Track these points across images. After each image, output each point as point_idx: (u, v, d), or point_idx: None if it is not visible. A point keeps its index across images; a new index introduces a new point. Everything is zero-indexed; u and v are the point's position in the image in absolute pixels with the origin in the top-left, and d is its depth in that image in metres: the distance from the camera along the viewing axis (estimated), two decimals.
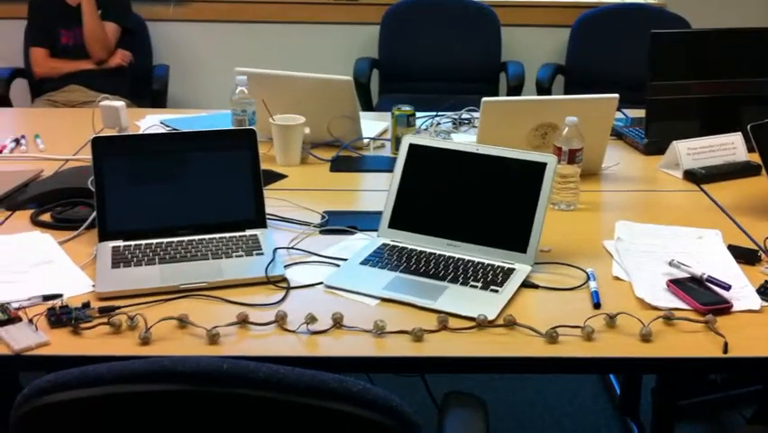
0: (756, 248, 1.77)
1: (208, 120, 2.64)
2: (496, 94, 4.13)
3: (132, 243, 1.70)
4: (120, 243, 1.70)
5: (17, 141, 2.42)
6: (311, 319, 1.44)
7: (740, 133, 2.29)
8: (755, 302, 1.54)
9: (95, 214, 1.74)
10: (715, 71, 2.49)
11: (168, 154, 1.81)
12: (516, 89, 3.97)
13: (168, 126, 2.58)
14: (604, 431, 2.59)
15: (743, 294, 1.57)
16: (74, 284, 1.57)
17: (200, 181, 1.80)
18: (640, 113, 2.59)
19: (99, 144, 1.76)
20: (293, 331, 1.44)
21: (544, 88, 3.99)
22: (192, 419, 0.98)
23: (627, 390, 2.64)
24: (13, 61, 3.97)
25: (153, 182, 1.78)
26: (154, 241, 1.71)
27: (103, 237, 1.71)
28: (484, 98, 2.16)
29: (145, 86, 3.96)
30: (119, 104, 2.36)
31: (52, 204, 1.90)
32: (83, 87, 3.65)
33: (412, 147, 1.83)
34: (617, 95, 2.18)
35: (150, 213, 1.75)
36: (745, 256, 1.72)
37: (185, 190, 1.79)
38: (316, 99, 2.38)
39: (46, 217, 1.86)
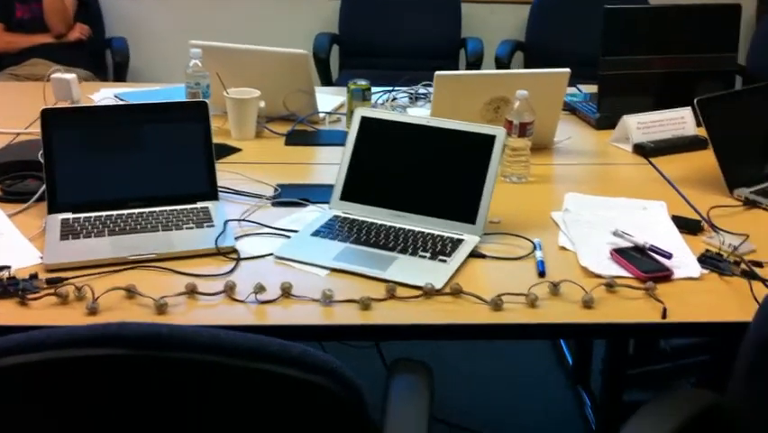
0: (699, 218, 1.81)
1: (163, 94, 2.63)
2: (455, 69, 4.15)
3: (82, 215, 1.70)
4: (69, 215, 1.70)
5: None
6: (259, 289, 1.45)
7: (690, 107, 2.33)
8: (695, 270, 1.58)
9: (44, 186, 1.74)
10: (667, 47, 2.53)
11: (119, 126, 1.80)
12: (475, 66, 3.99)
13: (122, 100, 2.56)
14: (556, 399, 2.64)
15: (684, 262, 1.61)
16: (22, 256, 1.56)
17: (151, 154, 1.80)
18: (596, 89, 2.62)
19: (49, 116, 1.75)
20: (242, 301, 1.45)
21: (503, 65, 4.02)
22: (134, 384, 0.99)
23: (579, 360, 2.70)
24: None
25: (104, 154, 1.77)
26: (104, 213, 1.71)
27: (52, 209, 1.71)
28: (437, 72, 2.18)
29: (101, 59, 3.92)
30: (70, 76, 2.34)
31: (1, 177, 1.88)
32: (46, 60, 3.61)
33: (364, 120, 1.84)
34: (568, 69, 2.20)
35: (101, 185, 1.75)
36: (688, 226, 1.76)
37: (136, 163, 1.78)
38: (272, 73, 2.38)
39: None
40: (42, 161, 1.75)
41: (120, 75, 3.91)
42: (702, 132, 2.18)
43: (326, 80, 3.99)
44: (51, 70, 2.42)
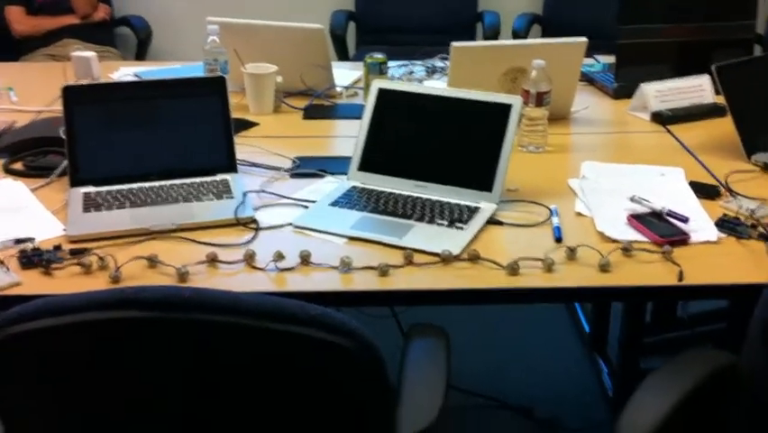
0: (717, 184, 1.81)
1: (182, 71, 2.65)
2: None
3: (104, 188, 1.72)
4: (91, 188, 1.73)
5: None
6: (279, 257, 1.47)
7: (708, 75, 2.32)
8: (713, 234, 1.59)
9: (66, 162, 1.76)
10: (685, 15, 2.51)
11: (138, 102, 1.83)
12: (492, 39, 3.97)
13: (141, 78, 2.58)
14: (573, 367, 2.65)
15: (701, 226, 1.61)
16: (46, 228, 1.59)
17: (171, 128, 1.82)
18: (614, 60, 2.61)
19: (70, 93, 1.78)
20: (261, 269, 1.47)
21: (520, 38, 3.99)
22: (157, 346, 1.01)
23: (596, 328, 2.70)
24: None
25: (125, 130, 1.80)
26: (125, 186, 1.73)
27: (74, 183, 1.73)
28: (453, 43, 2.18)
29: (117, 38, 3.98)
30: (90, 54, 2.37)
31: (25, 153, 1.91)
32: (78, 40, 3.67)
33: (381, 92, 1.85)
34: (585, 38, 2.20)
35: (122, 159, 1.78)
36: (705, 191, 1.76)
37: (156, 137, 1.81)
38: (288, 48, 2.39)
39: (18, 166, 1.88)
40: (64, 136, 1.77)
41: (141, 54, 3.97)
42: (720, 100, 2.18)
43: (344, 57, 3.99)
44: (72, 48, 2.44)
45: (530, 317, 2.91)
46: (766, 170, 1.90)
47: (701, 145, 2.07)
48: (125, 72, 2.66)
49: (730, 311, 2.50)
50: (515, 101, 1.76)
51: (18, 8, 3.76)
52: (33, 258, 1.45)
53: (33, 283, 1.41)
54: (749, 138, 1.96)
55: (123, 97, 1.83)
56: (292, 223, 1.63)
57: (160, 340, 1.01)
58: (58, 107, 2.23)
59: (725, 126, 2.10)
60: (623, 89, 2.45)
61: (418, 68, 2.72)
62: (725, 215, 1.65)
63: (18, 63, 3.53)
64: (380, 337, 1.06)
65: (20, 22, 3.76)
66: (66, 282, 1.42)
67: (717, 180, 1.84)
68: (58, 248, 1.49)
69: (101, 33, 3.82)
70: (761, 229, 1.58)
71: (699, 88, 2.34)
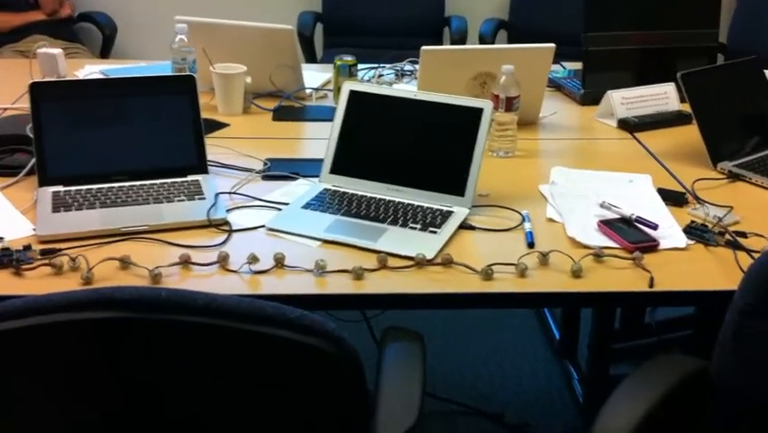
0: (684, 191, 1.84)
1: (149, 70, 2.62)
2: None
3: (73, 188, 1.70)
4: (60, 188, 1.70)
5: None
6: (253, 259, 1.46)
7: (673, 83, 2.35)
8: (681, 240, 1.61)
9: (34, 160, 1.74)
10: (651, 22, 2.55)
11: (108, 100, 1.80)
12: (459, 44, 3.99)
13: (108, 76, 2.55)
14: (543, 373, 2.68)
15: (670, 233, 1.63)
16: (14, 228, 1.57)
17: (141, 127, 1.80)
18: (581, 66, 2.64)
19: (37, 90, 1.75)
20: (235, 271, 1.46)
21: (486, 43, 4.02)
22: (133, 347, 1.00)
23: (566, 334, 2.73)
24: None
25: (94, 128, 1.77)
26: (95, 186, 1.71)
27: (43, 182, 1.71)
28: (423, 47, 2.19)
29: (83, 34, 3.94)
30: (56, 51, 2.34)
31: None
32: (47, 36, 3.62)
33: (352, 93, 1.85)
34: (552, 45, 2.22)
35: (91, 158, 1.75)
36: (673, 198, 1.79)
37: (125, 136, 1.79)
38: (258, 49, 2.38)
39: None
40: (32, 134, 1.74)
41: (105, 52, 3.94)
42: (686, 107, 2.21)
43: (311, 58, 3.98)
44: (39, 45, 2.41)
45: (500, 322, 2.93)
46: (732, 177, 1.93)
47: (667, 152, 2.11)
48: (91, 70, 2.62)
49: (697, 318, 2.55)
50: (486, 105, 1.77)
51: None
52: (3, 258, 1.43)
53: (4, 284, 1.39)
54: (714, 146, 2.00)
55: (91, 95, 1.81)
56: (265, 225, 1.62)
57: (136, 341, 1.00)
58: (23, 105, 2.20)
59: (690, 134, 2.13)
60: (590, 96, 2.48)
61: (387, 71, 2.72)
62: (692, 222, 1.68)
63: None
64: (352, 342, 1.05)
65: None
66: (37, 283, 1.40)
67: (684, 187, 1.87)
68: (27, 248, 1.47)
69: (68, 30, 3.80)
70: (728, 236, 1.61)
71: (664, 96, 2.38)
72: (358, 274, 1.45)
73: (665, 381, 1.29)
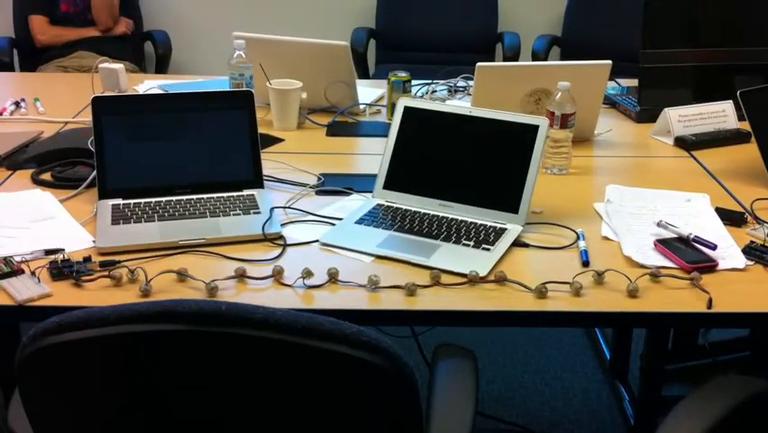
0: (743, 211, 1.81)
1: (206, 85, 2.67)
2: None
3: (132, 201, 1.73)
4: (119, 200, 1.74)
5: (17, 103, 2.44)
6: (307, 274, 1.48)
7: (731, 101, 2.32)
8: (740, 261, 1.58)
9: (94, 173, 1.77)
10: (709, 39, 2.52)
11: (167, 114, 1.84)
12: (511, 60, 3.99)
13: (166, 91, 2.60)
14: (593, 393, 2.65)
15: (728, 253, 1.61)
16: (75, 240, 1.60)
17: (198, 142, 1.83)
18: (636, 83, 2.61)
19: (99, 103, 1.79)
20: (289, 285, 1.47)
21: (539, 59, 4.02)
22: (192, 360, 1.02)
23: (617, 354, 2.69)
24: (4, 31, 3.96)
25: (152, 142, 1.81)
26: (153, 199, 1.74)
27: (103, 195, 1.74)
28: (479, 63, 2.19)
29: (141, 52, 3.99)
30: (118, 66, 2.39)
31: (53, 163, 1.92)
32: (92, 52, 3.68)
33: (407, 110, 1.86)
34: (609, 61, 2.20)
35: (150, 172, 1.78)
36: (731, 218, 1.76)
37: (183, 150, 1.82)
38: (313, 64, 2.40)
39: (46, 177, 1.89)
40: (93, 148, 1.78)
41: (161, 68, 3.99)
42: (744, 125, 2.18)
43: (364, 74, 4.02)
44: (99, 60, 2.46)
45: (549, 340, 2.90)
46: None
47: (725, 171, 2.07)
48: (150, 85, 2.68)
49: (752, 339, 2.49)
50: (542, 122, 1.77)
51: (41, 17, 3.78)
52: (64, 269, 1.46)
53: (65, 294, 1.42)
54: None
55: (151, 110, 1.84)
56: (319, 240, 1.64)
57: (196, 353, 1.02)
58: (84, 118, 2.26)
59: (749, 152, 2.10)
60: (646, 113, 2.46)
61: (440, 87, 2.73)
62: (752, 242, 1.65)
63: (41, 73, 3.56)
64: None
65: (43, 32, 3.78)
66: (96, 294, 1.42)
67: (743, 207, 1.84)
68: (87, 260, 1.50)
69: (119, 47, 3.79)
70: None
71: (722, 114, 2.34)
72: (411, 290, 1.45)
73: (729, 401, 1.27)
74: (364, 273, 1.49)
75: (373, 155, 2.07)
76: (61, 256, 1.50)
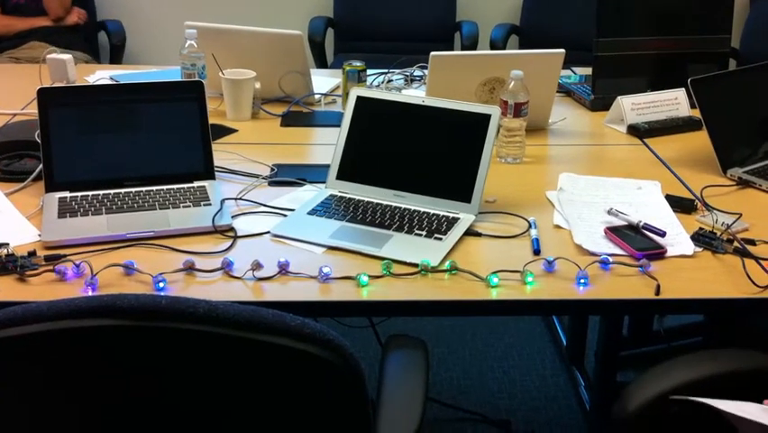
0: (693, 198, 1.82)
1: (158, 75, 2.63)
2: None
3: (79, 193, 1.71)
4: (67, 193, 1.71)
5: None
6: (256, 266, 1.46)
7: (683, 89, 2.34)
8: (689, 248, 1.60)
9: (41, 166, 1.74)
10: (662, 27, 2.54)
11: (115, 105, 1.80)
12: (470, 49, 3.98)
13: (117, 82, 2.56)
14: (551, 380, 2.66)
15: (677, 240, 1.62)
16: (20, 234, 1.57)
17: (148, 133, 1.80)
18: (591, 72, 2.62)
19: (45, 95, 1.75)
20: (239, 278, 1.46)
21: (498, 48, 4.01)
22: (133, 354, 1.00)
23: (573, 341, 2.71)
24: None
25: (101, 134, 1.78)
26: (101, 192, 1.72)
27: (49, 188, 1.71)
28: (432, 52, 2.18)
29: (94, 42, 3.93)
30: (66, 57, 2.34)
31: None
32: (45, 43, 3.61)
33: (359, 99, 1.85)
34: (562, 50, 2.21)
35: (98, 164, 1.75)
36: (681, 205, 1.78)
37: (132, 142, 1.79)
38: (267, 54, 2.38)
39: None
40: (39, 140, 1.75)
41: (115, 58, 3.93)
42: (696, 113, 2.19)
43: (322, 64, 3.99)
44: (47, 51, 2.42)
45: (507, 328, 2.91)
46: (741, 184, 1.92)
47: (677, 159, 2.09)
48: (101, 75, 2.63)
49: (706, 325, 2.53)
50: (493, 111, 1.76)
51: None
52: (8, 264, 1.43)
53: (8, 290, 1.40)
54: (724, 152, 1.98)
55: (99, 101, 1.81)
56: (270, 231, 1.62)
57: (136, 348, 1.00)
58: (32, 110, 2.22)
59: (700, 140, 2.12)
60: (600, 101, 2.47)
61: (397, 76, 2.72)
62: (701, 229, 1.66)
63: None
64: (358, 348, 1.05)
65: None
66: (41, 289, 1.40)
67: (693, 194, 1.86)
68: (32, 254, 1.47)
69: (71, 37, 3.73)
70: (736, 244, 1.59)
71: (674, 102, 2.36)
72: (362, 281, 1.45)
73: (726, 364, 1.29)
74: (315, 265, 1.48)
75: (328, 145, 2.05)
76: (5, 251, 1.47)
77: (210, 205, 1.69)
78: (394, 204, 1.73)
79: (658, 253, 1.57)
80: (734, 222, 1.68)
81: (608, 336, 2.35)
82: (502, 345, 2.83)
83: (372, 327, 2.30)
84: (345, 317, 1.57)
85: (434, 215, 1.69)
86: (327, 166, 1.82)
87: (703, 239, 1.62)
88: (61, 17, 3.73)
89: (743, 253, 1.57)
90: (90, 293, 1.38)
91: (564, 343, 2.77)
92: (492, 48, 4.02)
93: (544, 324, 2.94)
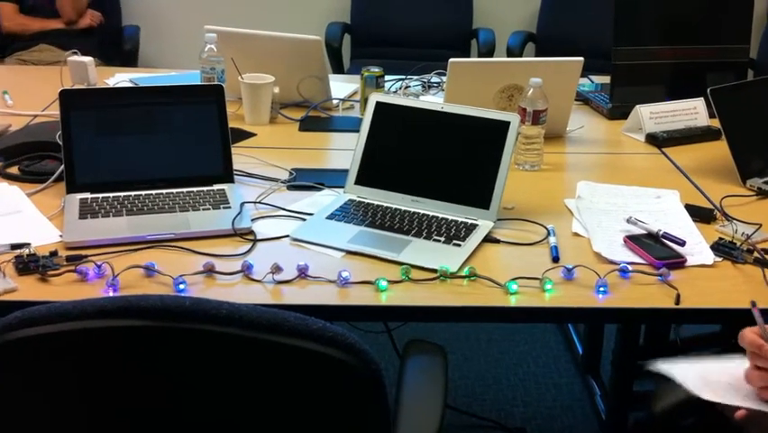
0: (712, 207, 1.82)
1: (178, 79, 2.65)
2: None
3: (100, 195, 1.72)
4: (88, 195, 1.72)
5: None
6: (276, 269, 1.47)
7: (702, 98, 2.34)
8: (709, 257, 1.59)
9: (62, 167, 1.75)
10: (680, 37, 2.54)
11: (136, 108, 1.82)
12: (486, 56, 3.99)
13: (137, 85, 2.57)
14: (566, 388, 2.66)
15: (697, 250, 1.62)
16: (42, 234, 1.58)
17: (168, 136, 1.81)
18: (609, 80, 2.62)
19: (67, 97, 1.77)
20: (258, 281, 1.46)
21: (514, 56, 4.02)
22: (156, 355, 1.00)
23: (589, 349, 2.71)
24: None
25: (122, 136, 1.79)
26: (122, 193, 1.72)
27: (71, 189, 1.72)
28: (451, 59, 2.19)
29: (115, 47, 3.94)
30: (87, 59, 2.36)
31: (21, 157, 1.90)
32: (53, 47, 3.63)
33: (379, 105, 1.85)
34: (581, 58, 2.21)
35: (119, 166, 1.77)
36: (701, 215, 1.77)
37: (153, 144, 1.80)
38: (286, 59, 2.39)
39: (14, 170, 1.87)
40: (61, 141, 1.76)
41: (130, 63, 3.93)
42: (715, 123, 2.19)
43: (338, 69, 4.00)
44: (68, 54, 2.43)
45: (522, 336, 2.91)
46: (761, 194, 1.91)
47: (696, 168, 2.09)
48: (121, 78, 2.65)
49: (722, 335, 2.51)
50: (513, 118, 1.77)
51: (10, 5, 3.72)
52: (30, 264, 1.44)
53: (30, 290, 1.40)
54: (743, 162, 1.98)
55: (120, 103, 1.82)
56: (289, 235, 1.63)
57: (159, 349, 1.00)
58: (53, 112, 2.23)
59: (719, 149, 2.11)
60: (618, 110, 2.47)
61: (414, 83, 2.73)
62: (720, 238, 1.66)
63: (10, 66, 3.51)
64: (374, 353, 1.05)
65: (9, 19, 3.71)
66: (63, 289, 1.41)
67: (713, 204, 1.85)
68: (54, 254, 1.48)
69: (84, 41, 3.66)
70: (756, 254, 1.59)
71: (693, 111, 2.36)
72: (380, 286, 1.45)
73: None
74: (334, 269, 1.49)
75: (346, 150, 2.06)
76: (27, 251, 1.48)
77: (229, 208, 1.70)
78: (412, 209, 1.73)
79: (678, 262, 1.56)
80: (754, 232, 1.67)
81: (625, 344, 2.34)
82: (517, 353, 2.83)
83: (388, 332, 2.30)
84: (360, 322, 1.57)
85: (452, 221, 1.69)
86: (345, 171, 1.83)
87: (723, 249, 1.62)
88: (74, 20, 3.73)
89: (763, 264, 1.57)
90: (111, 294, 1.39)
91: (580, 351, 2.76)
92: (509, 55, 4.03)
93: (560, 332, 2.94)
